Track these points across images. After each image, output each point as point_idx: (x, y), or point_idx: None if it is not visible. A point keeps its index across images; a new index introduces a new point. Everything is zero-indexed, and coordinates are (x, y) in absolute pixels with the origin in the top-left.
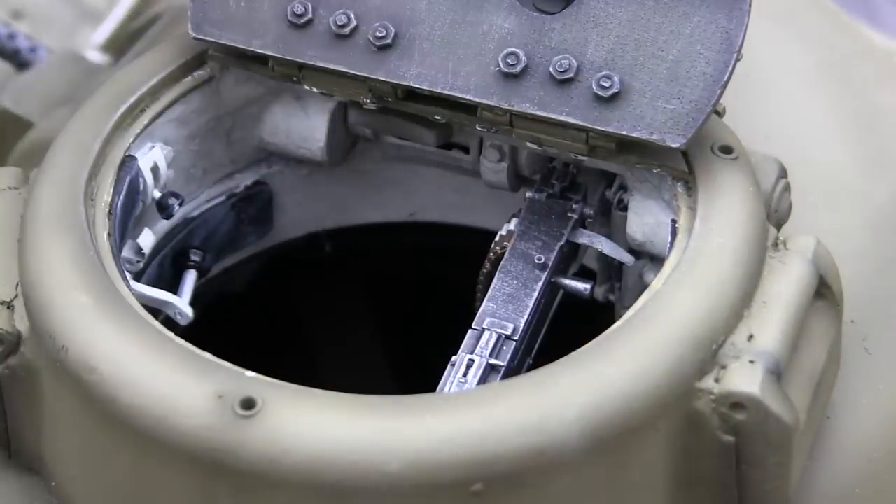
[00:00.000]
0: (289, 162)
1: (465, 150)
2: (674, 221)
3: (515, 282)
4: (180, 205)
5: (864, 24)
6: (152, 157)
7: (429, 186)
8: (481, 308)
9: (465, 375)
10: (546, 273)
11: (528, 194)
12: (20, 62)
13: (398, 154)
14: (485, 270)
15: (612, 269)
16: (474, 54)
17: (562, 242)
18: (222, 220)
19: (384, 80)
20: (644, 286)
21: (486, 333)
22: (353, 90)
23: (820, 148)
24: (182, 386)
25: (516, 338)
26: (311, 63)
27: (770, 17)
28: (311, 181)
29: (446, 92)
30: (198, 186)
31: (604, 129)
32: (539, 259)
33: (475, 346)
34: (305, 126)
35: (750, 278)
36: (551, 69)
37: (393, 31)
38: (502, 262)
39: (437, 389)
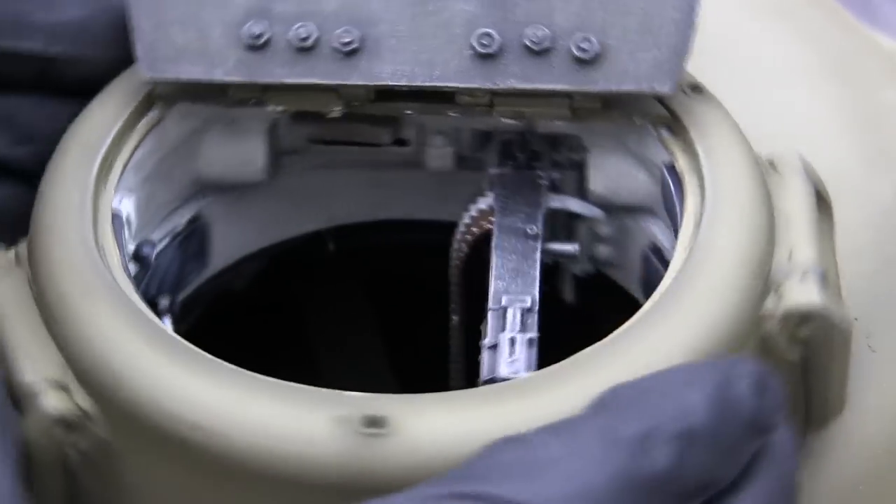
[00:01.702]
0: (220, 190)
1: (401, 142)
2: (669, 166)
3: (515, 256)
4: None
5: (865, 24)
6: (124, 208)
7: (357, 187)
8: (493, 288)
9: (511, 354)
10: (540, 242)
11: (493, 171)
12: None
13: (322, 162)
14: (461, 255)
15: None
16: (445, 42)
17: (543, 210)
18: (171, 261)
19: (360, 83)
20: (647, 239)
21: (510, 310)
22: (321, 101)
23: (822, 146)
24: (301, 420)
25: (536, 309)
26: (281, 82)
27: (771, 14)
28: (243, 204)
29: (428, 84)
30: (151, 230)
31: (593, 89)
32: (531, 230)
33: (503, 324)
34: (243, 150)
35: (768, 199)
36: (526, 42)
37: (358, 34)
38: (494, 241)
39: (484, 375)
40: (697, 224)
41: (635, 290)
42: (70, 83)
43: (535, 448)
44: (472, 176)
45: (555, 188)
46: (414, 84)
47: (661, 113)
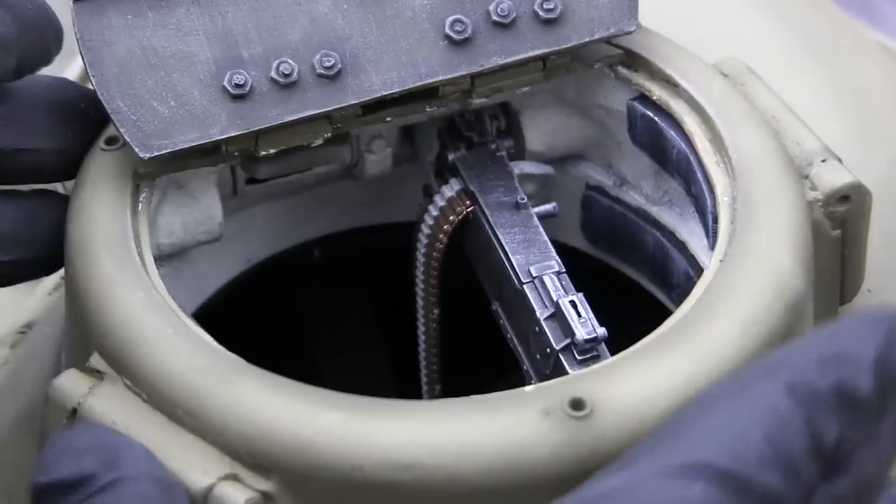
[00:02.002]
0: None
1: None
2: (638, 98)
3: (517, 229)
4: None
5: (865, 24)
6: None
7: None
8: (514, 264)
9: (579, 316)
10: (530, 209)
11: (452, 155)
12: None
13: (263, 195)
14: (441, 246)
15: None
16: (418, 39)
17: (516, 179)
18: None
19: (355, 102)
20: (583, 182)
21: (546, 278)
22: (312, 131)
23: (811, 124)
24: (514, 424)
25: (564, 270)
26: (280, 122)
27: (748, 1)
28: (188, 262)
29: (418, 84)
30: None
31: (567, 46)
32: (521, 199)
33: (548, 292)
34: (199, 209)
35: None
36: (494, 17)
37: (335, 54)
38: (491, 220)
39: (557, 343)
40: (723, 149)
41: (574, 238)
42: (10, 174)
43: (719, 412)
44: (413, 170)
45: (511, 156)
46: (405, 88)
47: (614, 53)
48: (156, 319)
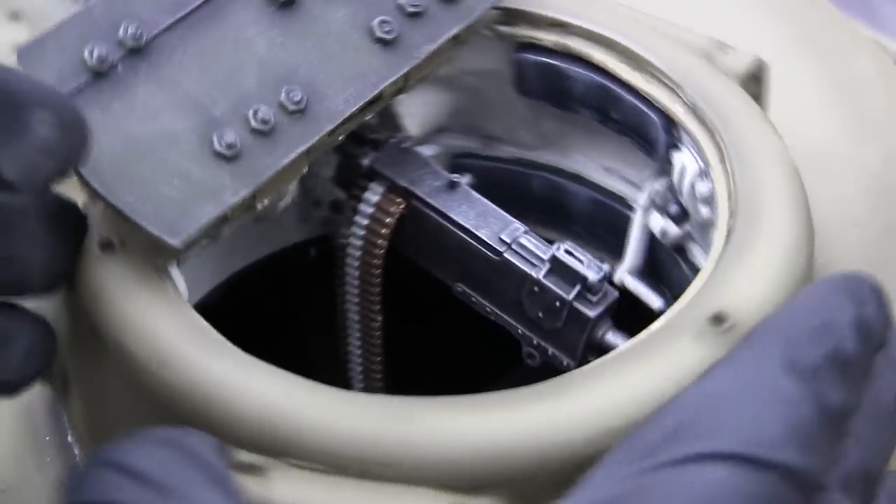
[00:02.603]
0: None
1: None
2: (528, 46)
3: (464, 206)
4: None
5: (865, 24)
6: None
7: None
8: (484, 237)
9: (580, 261)
10: (464, 185)
11: (367, 160)
12: None
13: None
14: (380, 252)
15: None
16: (354, 50)
17: (434, 164)
18: None
19: (330, 128)
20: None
21: (522, 239)
22: (294, 170)
23: (807, 120)
24: (676, 363)
25: (527, 228)
26: (281, 166)
27: None
28: None
29: (375, 93)
30: None
31: (475, 17)
32: (455, 177)
33: (531, 251)
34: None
35: None
36: (408, 9)
37: (297, 87)
38: (440, 205)
39: (570, 294)
40: (648, 65)
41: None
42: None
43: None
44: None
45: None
46: (365, 100)
47: (493, 15)
48: (298, 391)
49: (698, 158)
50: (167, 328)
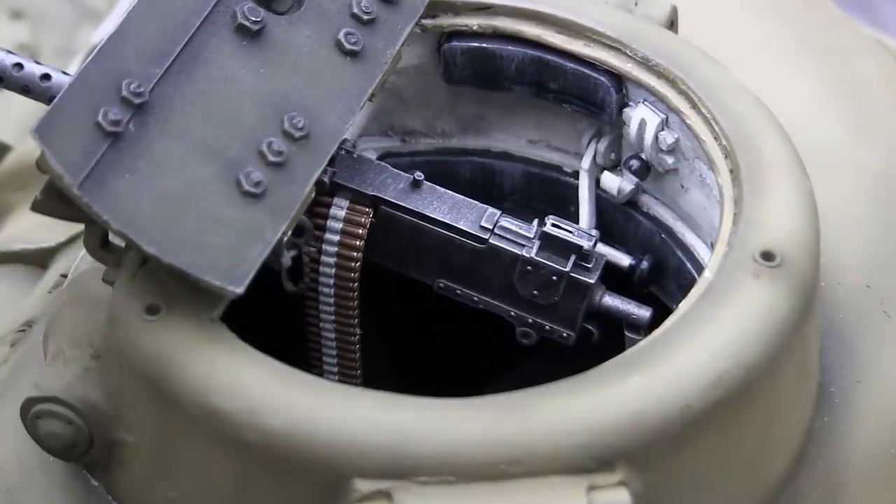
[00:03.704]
0: None
1: None
2: (454, 35)
3: (434, 203)
4: None
5: (865, 24)
6: None
7: None
8: (465, 228)
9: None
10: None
11: (327, 177)
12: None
13: None
14: (357, 265)
15: None
16: (330, 67)
17: (390, 168)
18: None
19: (335, 147)
20: None
21: (503, 222)
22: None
23: (810, 120)
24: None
25: (502, 212)
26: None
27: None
28: None
29: (361, 105)
30: None
31: (418, 15)
32: (417, 175)
33: (515, 232)
34: None
35: None
36: (362, 17)
37: (296, 113)
38: (412, 206)
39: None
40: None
41: None
42: None
43: None
44: None
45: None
46: (355, 114)
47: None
48: (410, 411)
49: (658, 110)
50: (256, 378)
